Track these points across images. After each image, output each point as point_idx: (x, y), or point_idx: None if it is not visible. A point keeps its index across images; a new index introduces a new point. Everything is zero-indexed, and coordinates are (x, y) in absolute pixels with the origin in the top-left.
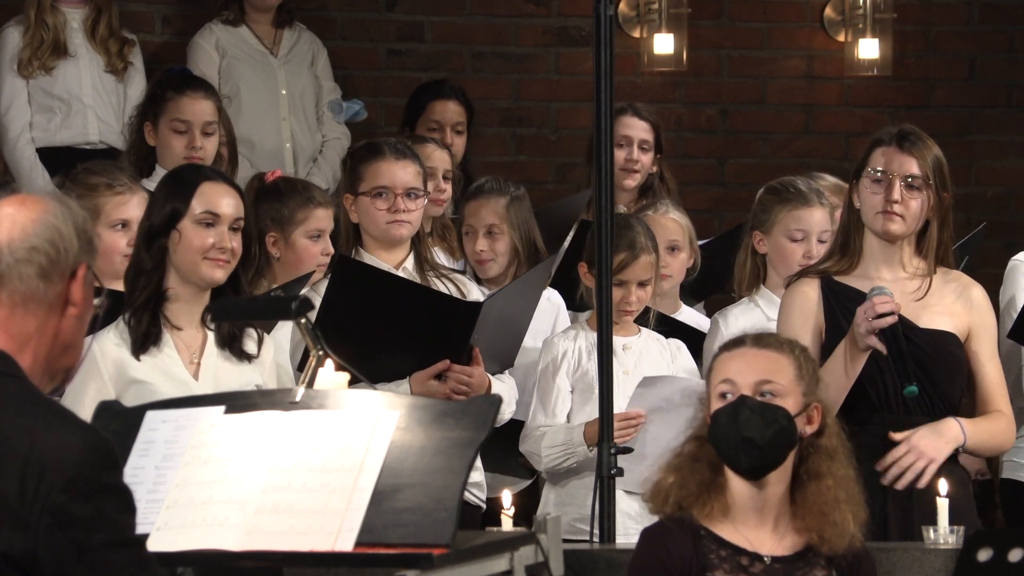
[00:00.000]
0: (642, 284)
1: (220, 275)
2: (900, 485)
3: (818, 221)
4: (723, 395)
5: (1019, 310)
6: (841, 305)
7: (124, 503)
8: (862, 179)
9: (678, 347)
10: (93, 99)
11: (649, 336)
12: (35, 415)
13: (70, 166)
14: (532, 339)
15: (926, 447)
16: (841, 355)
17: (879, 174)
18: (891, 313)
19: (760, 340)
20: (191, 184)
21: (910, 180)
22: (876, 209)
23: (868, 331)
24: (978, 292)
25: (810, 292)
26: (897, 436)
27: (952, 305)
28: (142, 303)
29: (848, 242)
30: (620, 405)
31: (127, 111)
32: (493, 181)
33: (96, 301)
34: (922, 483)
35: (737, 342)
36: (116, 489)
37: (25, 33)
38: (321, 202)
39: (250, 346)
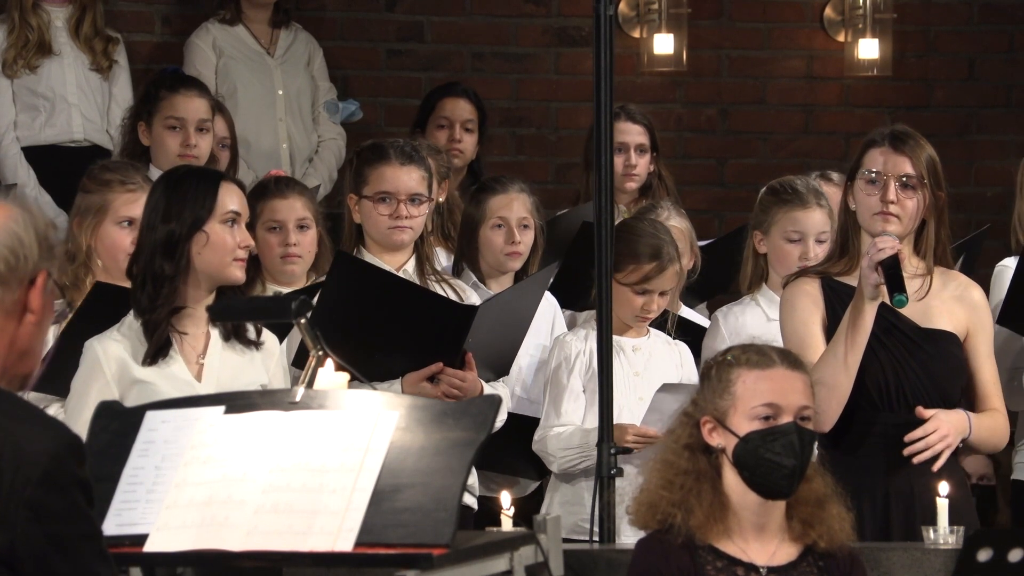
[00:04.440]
0: (663, 293)
1: (242, 274)
2: (917, 460)
3: (815, 222)
4: (765, 418)
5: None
6: (842, 303)
7: (90, 497)
8: (857, 181)
9: (684, 350)
10: (78, 97)
11: (657, 337)
12: (6, 412)
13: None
14: (533, 338)
15: (948, 431)
16: (845, 323)
17: (874, 175)
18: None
19: (788, 359)
20: (211, 184)
21: (905, 180)
22: (872, 210)
23: (869, 266)
24: (977, 292)
25: (812, 289)
26: (925, 413)
27: (952, 305)
28: (166, 315)
29: (847, 244)
30: (631, 407)
31: (112, 109)
32: (510, 178)
33: (57, 304)
34: (936, 465)
35: (765, 359)
36: (86, 483)
37: (10, 33)
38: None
39: (251, 332)
